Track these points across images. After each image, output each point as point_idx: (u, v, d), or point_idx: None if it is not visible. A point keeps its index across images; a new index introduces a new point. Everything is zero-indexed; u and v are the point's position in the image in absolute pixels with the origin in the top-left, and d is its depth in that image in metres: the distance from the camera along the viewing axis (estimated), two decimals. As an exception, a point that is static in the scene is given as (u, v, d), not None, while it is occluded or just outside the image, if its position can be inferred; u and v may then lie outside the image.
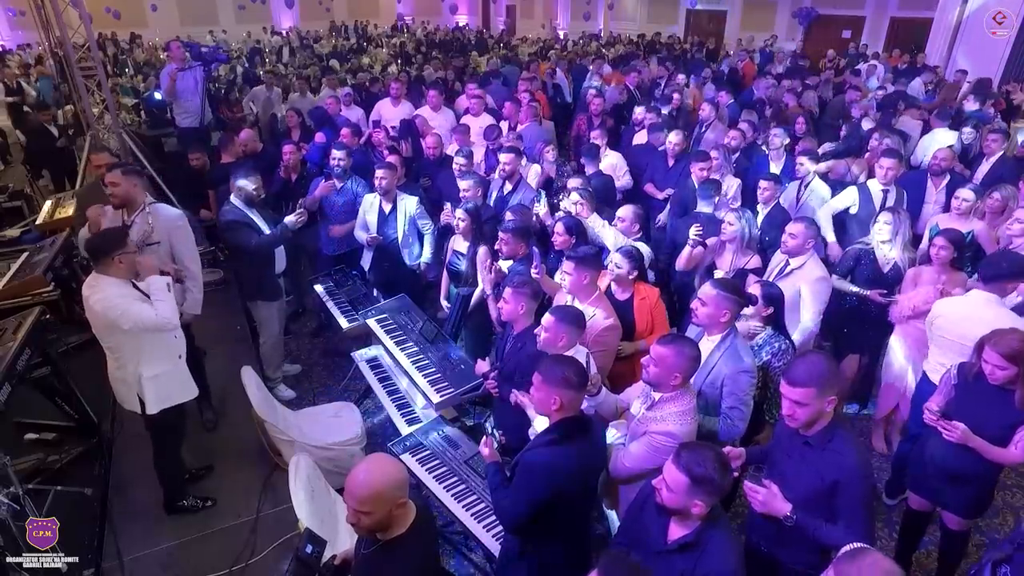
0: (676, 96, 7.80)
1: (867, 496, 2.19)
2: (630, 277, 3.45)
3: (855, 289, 3.92)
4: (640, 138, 6.43)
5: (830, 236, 4.83)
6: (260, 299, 4.44)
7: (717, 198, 4.52)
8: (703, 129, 6.73)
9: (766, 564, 2.43)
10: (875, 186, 4.73)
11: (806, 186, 5.11)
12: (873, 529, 2.23)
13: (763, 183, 4.64)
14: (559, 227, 3.84)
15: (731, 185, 5.10)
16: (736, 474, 2.41)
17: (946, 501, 2.92)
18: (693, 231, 3.91)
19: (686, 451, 1.97)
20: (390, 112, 7.28)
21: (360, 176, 5.15)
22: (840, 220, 4.85)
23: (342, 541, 2.72)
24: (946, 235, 3.70)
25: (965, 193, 4.32)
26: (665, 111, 7.17)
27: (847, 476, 2.15)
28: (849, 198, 4.80)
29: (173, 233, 3.75)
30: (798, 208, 5.06)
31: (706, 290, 2.85)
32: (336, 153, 4.93)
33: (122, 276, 3.05)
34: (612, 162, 5.78)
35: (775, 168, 5.48)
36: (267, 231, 4.22)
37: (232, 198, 4.22)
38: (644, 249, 3.84)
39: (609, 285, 3.55)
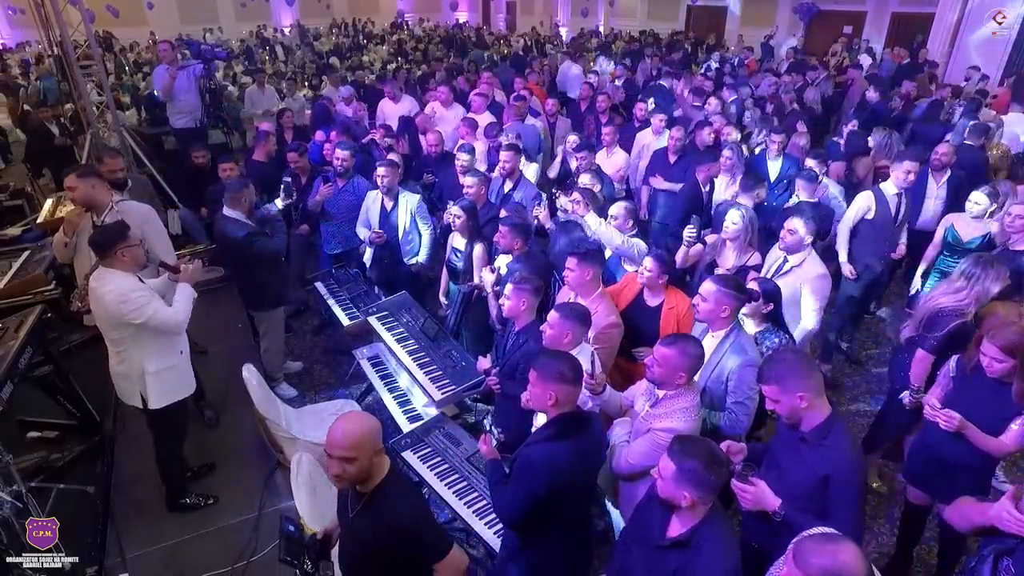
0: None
1: (858, 492, 2.21)
2: (660, 282, 3.39)
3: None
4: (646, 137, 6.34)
5: (843, 254, 4.60)
6: (277, 305, 4.42)
7: (757, 191, 4.54)
8: (709, 123, 6.70)
9: (758, 559, 2.44)
10: (889, 189, 4.50)
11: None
12: (862, 525, 2.24)
13: (799, 182, 4.73)
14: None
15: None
16: (737, 468, 2.42)
17: (944, 494, 2.91)
18: (686, 232, 3.92)
19: (680, 442, 1.99)
20: (391, 110, 7.31)
21: (362, 175, 5.14)
22: (854, 227, 4.62)
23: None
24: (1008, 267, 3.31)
25: (978, 196, 4.17)
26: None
27: (838, 471, 2.16)
28: (864, 203, 4.53)
29: (144, 228, 3.73)
30: None
31: (706, 286, 2.86)
32: (340, 153, 4.91)
33: (128, 269, 3.09)
34: (618, 162, 5.75)
35: (772, 167, 5.47)
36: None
37: (230, 212, 4.11)
38: (641, 245, 3.84)
39: (641, 290, 3.50)
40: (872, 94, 7.86)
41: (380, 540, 2.03)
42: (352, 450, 1.94)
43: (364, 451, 1.97)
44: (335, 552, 2.38)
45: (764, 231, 4.16)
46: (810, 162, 5.05)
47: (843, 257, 4.63)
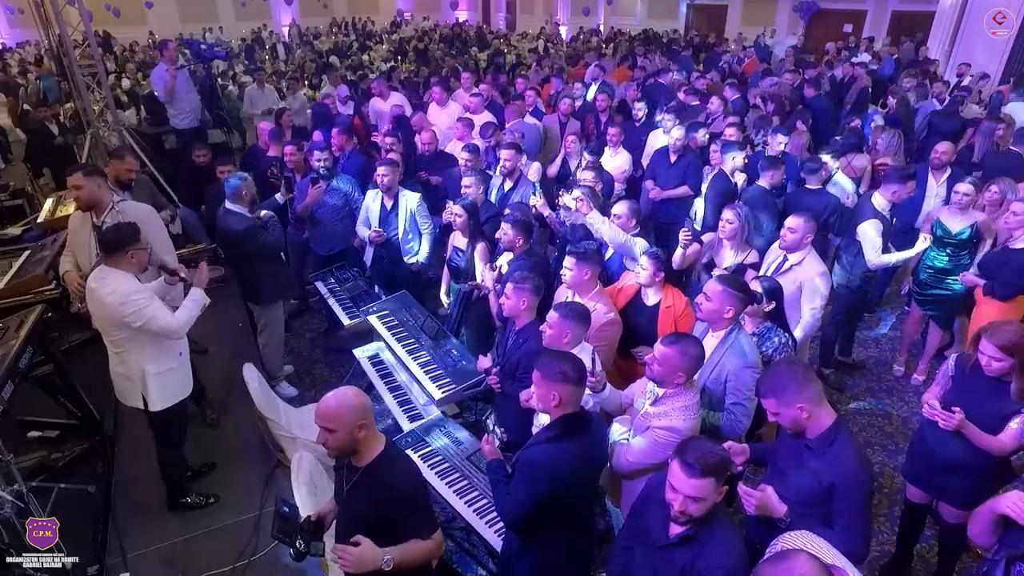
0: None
1: (863, 501, 2.18)
2: (656, 280, 3.37)
3: None
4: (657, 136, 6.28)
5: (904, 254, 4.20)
6: (277, 299, 4.44)
7: (773, 172, 4.69)
8: (710, 122, 6.70)
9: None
10: (881, 203, 4.31)
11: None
12: (868, 533, 2.21)
13: (803, 174, 4.80)
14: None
15: (738, 181, 5.08)
16: (740, 469, 2.41)
17: (943, 492, 2.92)
18: (682, 234, 3.92)
19: (692, 454, 1.87)
20: (381, 107, 7.33)
21: (356, 176, 5.12)
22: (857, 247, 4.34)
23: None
24: None
25: (964, 187, 4.22)
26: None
27: (844, 480, 2.14)
28: (879, 229, 4.22)
29: (144, 229, 3.73)
30: None
31: (711, 286, 2.85)
32: (318, 154, 4.87)
33: (131, 270, 3.10)
34: (619, 163, 5.74)
35: None
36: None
37: (232, 206, 4.13)
38: (642, 244, 3.84)
39: (640, 289, 3.49)
40: (809, 91, 7.93)
41: (373, 511, 2.08)
42: (329, 421, 2.06)
43: (342, 423, 2.06)
44: (331, 535, 2.40)
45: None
46: (825, 157, 5.07)
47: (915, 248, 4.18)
